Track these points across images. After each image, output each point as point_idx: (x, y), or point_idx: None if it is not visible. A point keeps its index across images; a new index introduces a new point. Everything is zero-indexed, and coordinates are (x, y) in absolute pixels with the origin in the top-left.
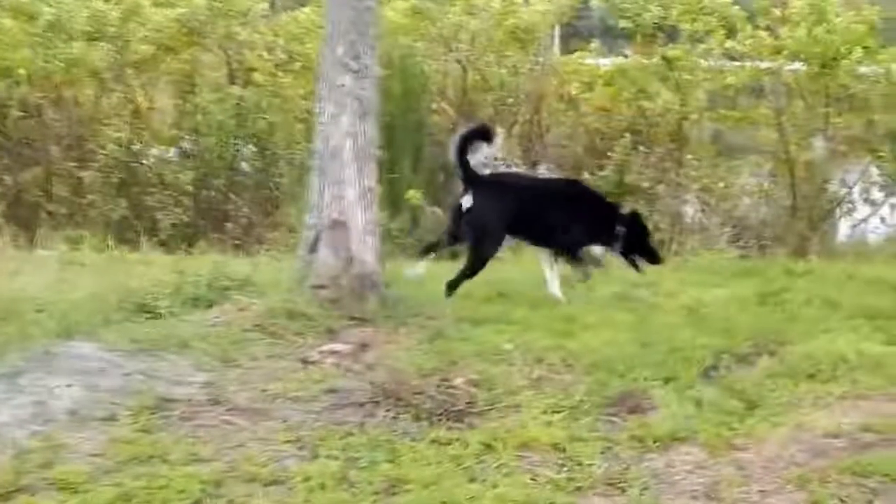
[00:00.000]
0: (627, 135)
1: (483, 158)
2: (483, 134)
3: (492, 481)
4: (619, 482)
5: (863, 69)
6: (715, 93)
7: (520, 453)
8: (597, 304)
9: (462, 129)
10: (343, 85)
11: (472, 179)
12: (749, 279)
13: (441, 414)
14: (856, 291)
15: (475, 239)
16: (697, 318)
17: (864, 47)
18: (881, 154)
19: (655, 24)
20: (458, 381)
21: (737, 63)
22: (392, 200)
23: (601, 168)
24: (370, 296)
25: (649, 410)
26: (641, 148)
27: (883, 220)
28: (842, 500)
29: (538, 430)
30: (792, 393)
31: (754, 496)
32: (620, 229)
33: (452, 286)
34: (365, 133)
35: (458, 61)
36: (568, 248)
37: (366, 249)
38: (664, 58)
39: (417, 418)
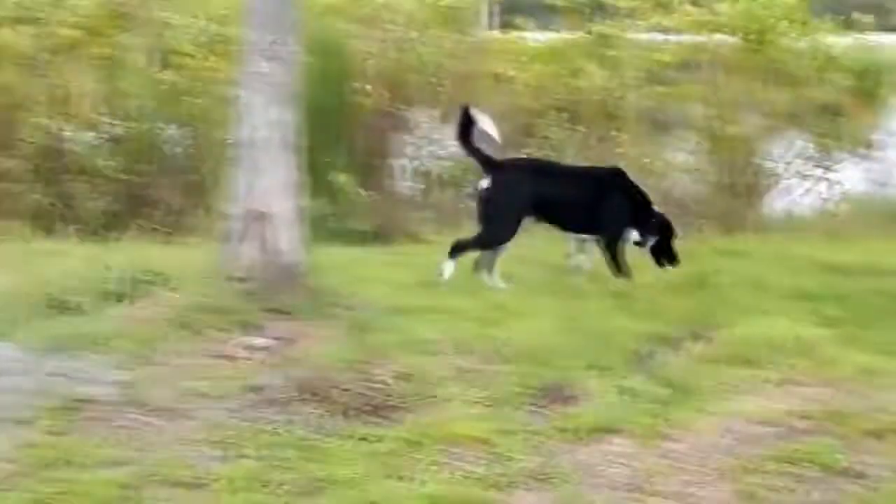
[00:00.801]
0: (560, 113)
1: (486, 141)
2: (469, 116)
3: (420, 479)
4: (550, 476)
5: (793, 43)
6: (648, 69)
7: (448, 449)
8: (528, 292)
9: (456, 121)
10: (263, 71)
11: (488, 163)
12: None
13: (367, 409)
14: (788, 272)
15: (487, 220)
16: (629, 304)
17: (795, 21)
18: (813, 129)
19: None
20: (385, 374)
21: (669, 38)
22: (321, 185)
23: (534, 148)
24: (293, 287)
25: (580, 401)
26: (575, 127)
27: (819, 194)
28: (773, 491)
29: (466, 425)
30: (724, 379)
31: (684, 487)
32: (654, 220)
33: (457, 249)
34: (286, 121)
35: (389, 42)
36: (605, 234)
37: (288, 240)
38: (595, 34)
39: (343, 415)
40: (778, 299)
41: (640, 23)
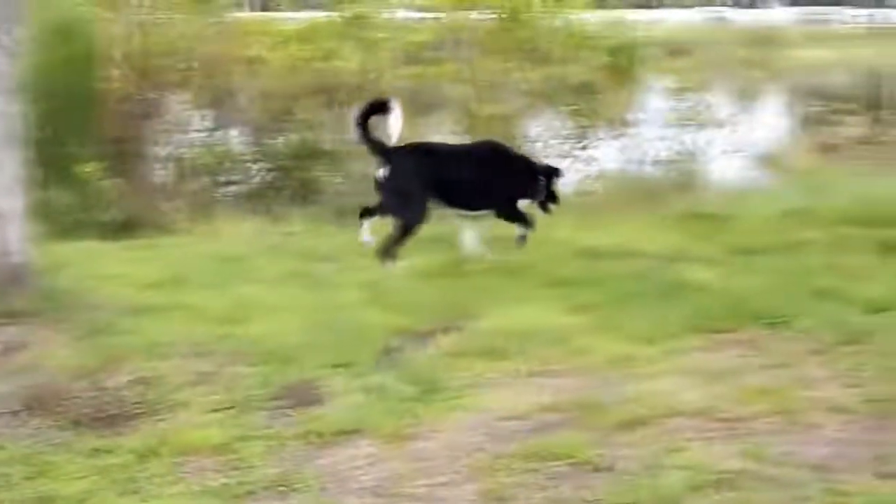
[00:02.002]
0: (315, 95)
1: (389, 131)
2: (380, 107)
3: (154, 492)
4: (292, 483)
5: (548, 21)
6: (404, 49)
7: (185, 458)
8: (274, 284)
9: (358, 108)
10: None
11: (383, 151)
12: (435, 247)
13: (100, 419)
14: (543, 257)
15: (397, 207)
16: (378, 295)
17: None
18: (570, 107)
19: None
20: (120, 381)
21: (427, 16)
22: (67, 176)
23: (287, 131)
24: (24, 289)
25: (325, 401)
26: (331, 108)
27: (577, 173)
28: (522, 488)
29: (205, 432)
30: (475, 373)
31: (432, 489)
32: (542, 180)
33: (384, 253)
34: (12, 113)
35: (137, 25)
36: (502, 208)
37: (17, 239)
38: (350, 14)
39: (74, 426)
40: (533, 286)
41: (393, 1)
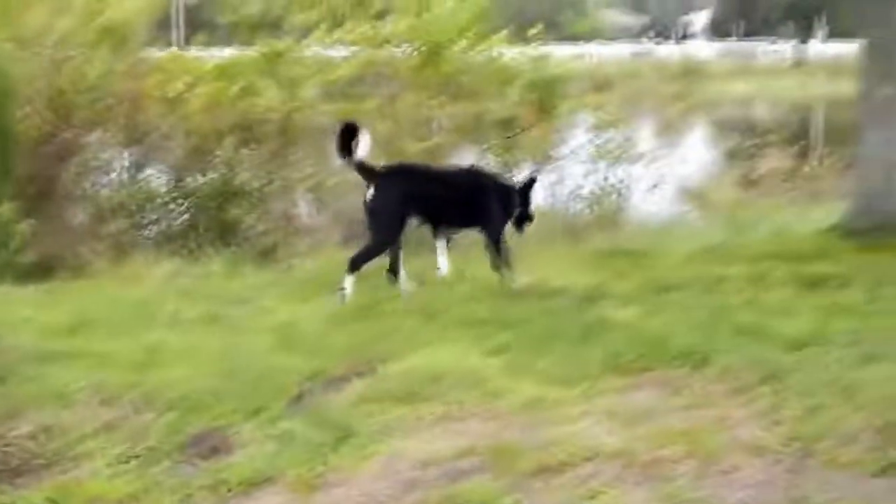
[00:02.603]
0: (234, 132)
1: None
2: (351, 131)
3: None
4: None
5: (470, 57)
6: (325, 85)
7: None
8: (187, 328)
9: (334, 134)
10: None
11: (369, 173)
12: (358, 286)
13: (1, 471)
14: (458, 297)
15: (371, 224)
16: (291, 339)
17: (469, 36)
18: (493, 142)
19: (259, 17)
20: (23, 430)
21: (348, 53)
22: None
23: (206, 171)
24: None
25: (233, 450)
26: (250, 146)
27: None
28: None
29: (111, 482)
30: (389, 417)
31: None
32: (517, 200)
33: (354, 265)
34: None
35: (52, 62)
36: (490, 232)
37: None
38: (270, 50)
39: None
40: (449, 327)
41: (314, 37)
